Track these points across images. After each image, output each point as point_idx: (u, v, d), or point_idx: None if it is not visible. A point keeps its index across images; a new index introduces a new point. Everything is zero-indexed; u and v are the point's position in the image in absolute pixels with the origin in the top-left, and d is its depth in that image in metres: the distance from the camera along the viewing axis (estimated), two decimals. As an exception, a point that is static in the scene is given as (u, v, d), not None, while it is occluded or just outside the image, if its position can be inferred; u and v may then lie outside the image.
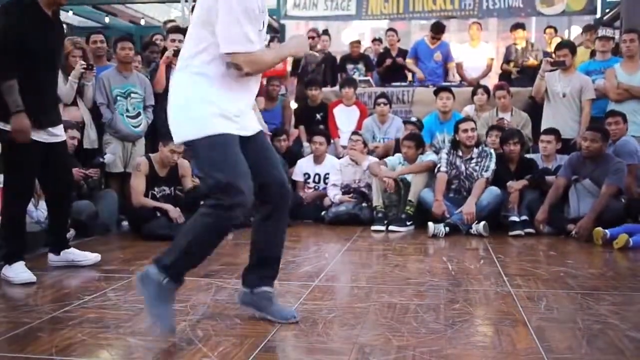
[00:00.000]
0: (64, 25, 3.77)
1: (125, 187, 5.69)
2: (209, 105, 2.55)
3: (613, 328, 2.72)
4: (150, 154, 5.52)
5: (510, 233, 5.33)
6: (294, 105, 7.98)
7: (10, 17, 3.51)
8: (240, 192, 2.50)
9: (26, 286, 3.50)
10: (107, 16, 10.55)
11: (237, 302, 2.90)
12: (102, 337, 2.59)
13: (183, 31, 6.58)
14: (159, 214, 5.18)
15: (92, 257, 4.09)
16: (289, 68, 8.87)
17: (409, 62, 8.34)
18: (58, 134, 3.83)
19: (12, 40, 3.47)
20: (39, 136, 3.67)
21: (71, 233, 4.57)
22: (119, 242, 5.13)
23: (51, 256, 4.03)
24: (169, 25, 7.73)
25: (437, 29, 8.21)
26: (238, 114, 2.64)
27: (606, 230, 4.82)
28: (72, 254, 4.03)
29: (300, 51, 2.80)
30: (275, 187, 2.73)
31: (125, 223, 5.68)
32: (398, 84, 8.00)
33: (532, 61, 7.91)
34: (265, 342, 2.53)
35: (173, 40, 6.16)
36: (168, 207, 5.19)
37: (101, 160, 5.56)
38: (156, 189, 5.35)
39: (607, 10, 9.54)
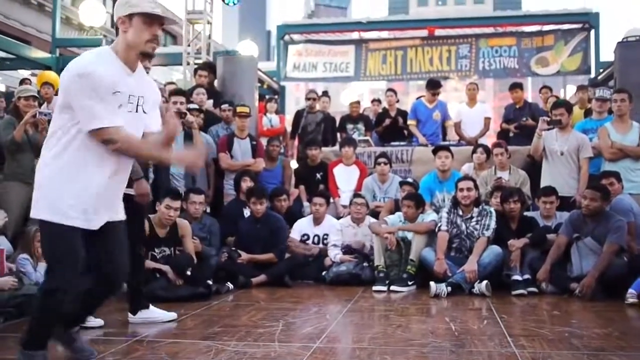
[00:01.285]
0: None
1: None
2: (62, 193, 2.70)
3: (621, 390, 2.67)
4: (149, 215, 5.52)
5: (513, 292, 5.27)
6: (294, 164, 8.03)
7: None
8: (67, 281, 2.73)
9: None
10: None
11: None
12: (99, 403, 2.54)
13: (184, 93, 6.68)
14: (158, 275, 5.14)
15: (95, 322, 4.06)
16: (288, 128, 9.00)
17: (411, 124, 8.38)
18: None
19: None
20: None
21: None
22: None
23: None
24: (170, 87, 7.80)
25: (434, 85, 8.33)
26: (87, 206, 2.75)
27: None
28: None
29: (184, 164, 2.87)
30: (108, 277, 2.94)
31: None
32: (397, 143, 8.09)
33: (531, 122, 7.95)
34: (266, 408, 2.48)
35: (175, 103, 6.20)
36: (166, 268, 5.15)
37: None
38: (156, 249, 5.32)
39: (601, 70, 9.72)
